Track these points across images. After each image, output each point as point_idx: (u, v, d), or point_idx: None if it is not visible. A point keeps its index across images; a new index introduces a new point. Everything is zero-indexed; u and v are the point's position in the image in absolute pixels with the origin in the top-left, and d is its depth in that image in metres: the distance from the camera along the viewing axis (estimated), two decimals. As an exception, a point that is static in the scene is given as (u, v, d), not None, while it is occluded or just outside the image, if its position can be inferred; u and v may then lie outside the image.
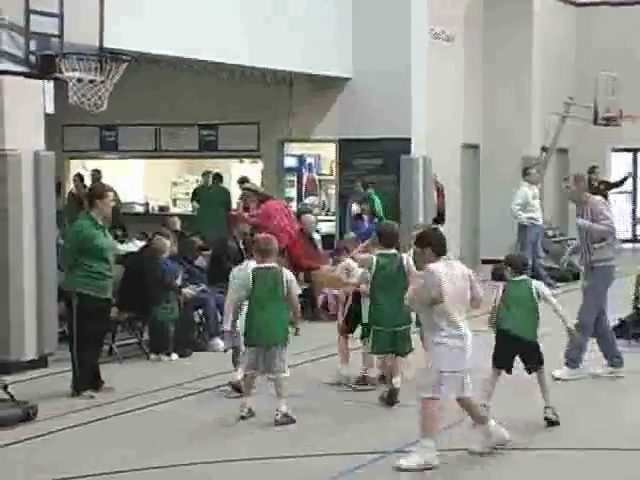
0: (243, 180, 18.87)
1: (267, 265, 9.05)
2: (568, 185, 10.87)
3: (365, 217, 16.39)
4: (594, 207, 10.61)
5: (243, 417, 8.92)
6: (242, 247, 12.82)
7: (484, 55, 21.13)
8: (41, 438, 8.48)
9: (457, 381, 7.73)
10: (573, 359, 10.62)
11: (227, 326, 9.74)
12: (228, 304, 9.85)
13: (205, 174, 20.58)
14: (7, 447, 8.21)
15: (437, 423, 7.75)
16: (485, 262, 20.45)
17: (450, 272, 7.74)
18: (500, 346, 8.84)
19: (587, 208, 10.62)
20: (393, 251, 9.46)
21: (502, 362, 8.80)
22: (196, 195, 20.45)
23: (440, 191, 18.81)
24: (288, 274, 9.10)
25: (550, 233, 19.55)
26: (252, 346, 8.99)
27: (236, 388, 9.64)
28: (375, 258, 9.45)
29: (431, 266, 7.72)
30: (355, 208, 16.80)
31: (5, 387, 9.02)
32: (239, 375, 9.57)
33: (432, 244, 7.86)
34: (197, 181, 21.05)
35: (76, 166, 21.35)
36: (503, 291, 8.85)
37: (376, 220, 16.26)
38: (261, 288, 8.95)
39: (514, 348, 8.78)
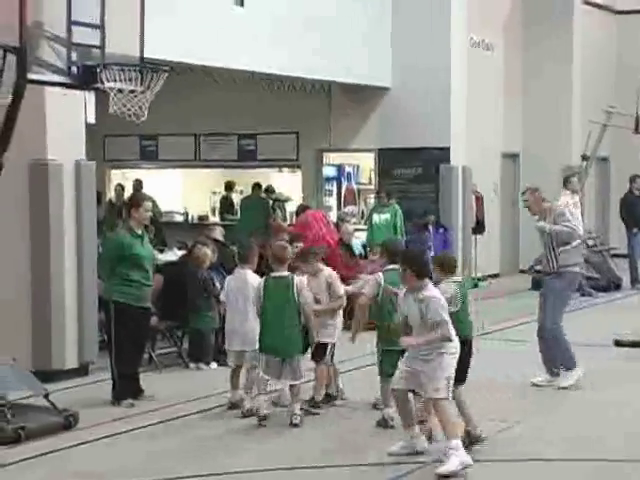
0: (268, 189, 18.97)
1: (279, 274, 9.09)
2: (526, 199, 10.80)
3: (430, 228, 16.17)
4: (555, 211, 10.58)
5: (264, 417, 9.05)
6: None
7: (524, 63, 21.05)
8: (82, 446, 8.53)
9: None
10: (568, 364, 10.57)
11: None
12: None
13: (227, 186, 20.78)
14: (48, 455, 8.26)
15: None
16: (524, 272, 20.36)
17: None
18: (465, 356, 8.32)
19: (549, 214, 10.57)
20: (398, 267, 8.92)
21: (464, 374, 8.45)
22: (223, 207, 20.68)
23: (479, 200, 18.75)
24: (299, 282, 9.03)
25: (590, 242, 19.40)
26: (265, 354, 9.06)
27: (235, 406, 9.61)
28: (381, 275, 8.95)
29: (433, 292, 7.83)
30: (376, 219, 16.66)
31: (46, 395, 9.09)
32: (238, 395, 9.64)
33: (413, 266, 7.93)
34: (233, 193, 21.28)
35: (117, 175, 21.52)
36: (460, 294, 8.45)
37: (441, 231, 16.11)
38: (273, 298, 8.98)
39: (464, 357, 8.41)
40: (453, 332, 7.82)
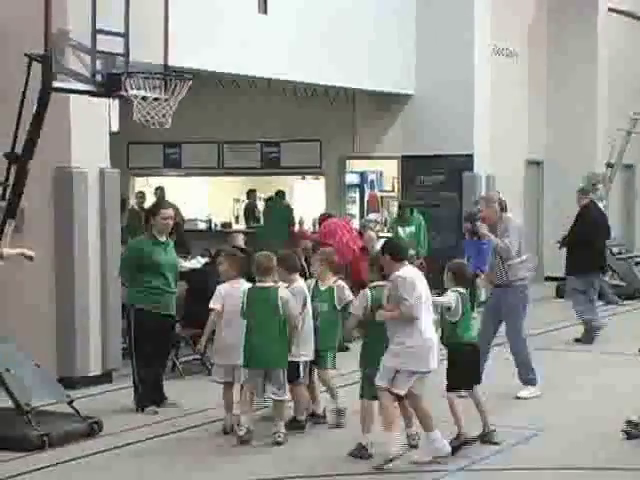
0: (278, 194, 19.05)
1: (264, 285, 8.75)
2: (480, 208, 10.64)
3: (466, 236, 16.01)
4: (505, 224, 10.49)
5: (241, 437, 8.67)
6: (304, 263, 12.82)
7: (548, 70, 20.98)
8: (106, 453, 8.54)
9: (418, 379, 7.97)
10: (530, 378, 10.46)
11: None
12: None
13: (251, 192, 20.94)
14: (72, 462, 8.27)
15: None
16: (548, 279, 20.28)
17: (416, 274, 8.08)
18: (467, 359, 8.52)
19: (500, 225, 10.50)
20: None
21: (472, 378, 8.59)
22: (247, 214, 20.84)
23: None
24: (284, 294, 8.69)
25: (615, 250, 19.30)
26: (248, 367, 8.72)
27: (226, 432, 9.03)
28: (369, 292, 8.41)
29: (400, 272, 7.96)
30: (401, 232, 16.45)
31: (70, 402, 9.12)
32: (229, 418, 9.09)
33: (391, 251, 8.13)
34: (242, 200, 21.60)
35: (141, 183, 21.60)
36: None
37: (475, 239, 15.97)
38: (256, 308, 8.66)
39: (477, 360, 8.69)
40: (417, 312, 7.84)
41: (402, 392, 7.95)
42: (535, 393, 10.46)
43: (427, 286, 8.16)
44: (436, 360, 8.06)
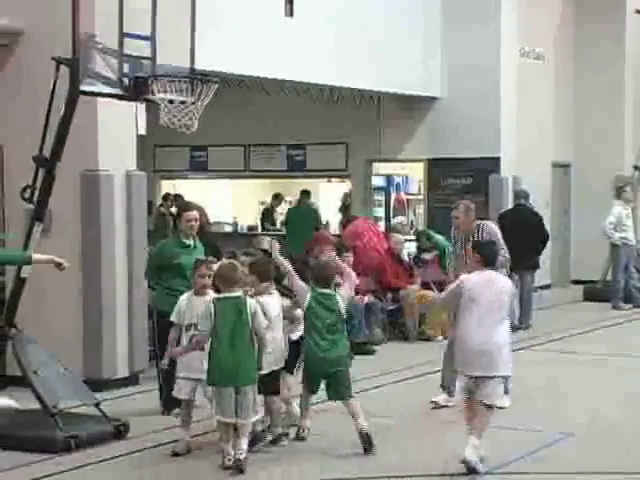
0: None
1: (229, 295, 8.14)
2: (457, 215, 10.00)
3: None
4: (488, 233, 9.87)
5: (228, 467, 8.03)
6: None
7: (575, 73, 20.86)
8: (133, 455, 8.55)
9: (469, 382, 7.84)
10: (507, 386, 10.16)
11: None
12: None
13: (276, 196, 20.96)
14: (99, 464, 8.29)
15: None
16: (576, 282, 20.19)
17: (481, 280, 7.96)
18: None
19: (481, 235, 9.88)
20: (328, 291, 8.59)
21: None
22: (265, 218, 20.83)
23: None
24: (253, 305, 8.14)
25: (643, 253, 19.18)
26: (214, 385, 8.12)
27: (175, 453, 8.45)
28: (310, 291, 8.51)
29: (466, 276, 8.11)
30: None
31: (97, 404, 9.15)
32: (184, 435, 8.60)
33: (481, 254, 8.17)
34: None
35: (167, 186, 21.69)
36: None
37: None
38: (223, 320, 8.03)
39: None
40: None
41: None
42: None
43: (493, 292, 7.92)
44: (487, 365, 7.80)
